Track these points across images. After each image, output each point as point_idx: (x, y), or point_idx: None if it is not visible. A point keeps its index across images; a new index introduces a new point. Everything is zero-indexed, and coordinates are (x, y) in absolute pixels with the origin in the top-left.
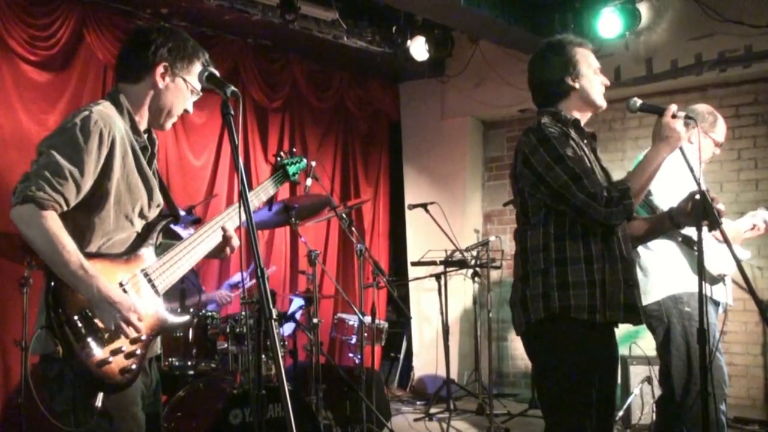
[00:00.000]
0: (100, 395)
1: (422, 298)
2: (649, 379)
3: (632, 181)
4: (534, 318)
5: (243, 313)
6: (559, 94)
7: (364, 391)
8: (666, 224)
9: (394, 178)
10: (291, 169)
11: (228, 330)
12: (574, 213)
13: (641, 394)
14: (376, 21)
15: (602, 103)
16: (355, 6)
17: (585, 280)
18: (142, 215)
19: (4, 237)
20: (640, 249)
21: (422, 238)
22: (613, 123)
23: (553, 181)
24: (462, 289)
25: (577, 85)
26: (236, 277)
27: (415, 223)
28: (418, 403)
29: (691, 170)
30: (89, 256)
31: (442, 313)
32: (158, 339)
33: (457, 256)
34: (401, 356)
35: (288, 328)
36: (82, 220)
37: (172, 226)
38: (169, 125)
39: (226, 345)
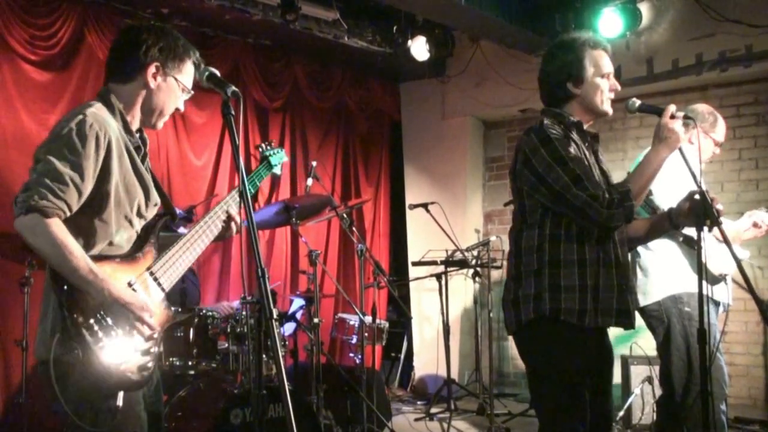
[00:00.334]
0: (121, 394)
1: (423, 297)
2: (649, 379)
3: (632, 183)
4: (524, 318)
5: (243, 312)
6: (561, 98)
7: (365, 391)
8: (665, 225)
9: (394, 178)
10: (273, 160)
11: (229, 330)
12: (574, 214)
13: (642, 394)
14: (377, 21)
15: (605, 110)
16: (356, 6)
17: (577, 284)
18: (140, 215)
19: (5, 237)
20: (640, 249)
21: (423, 238)
22: (614, 123)
23: (554, 182)
24: (463, 289)
25: (578, 91)
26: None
27: (415, 222)
28: (418, 402)
29: (691, 171)
30: (95, 259)
31: (442, 313)
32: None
33: (458, 256)
34: (402, 356)
35: (289, 327)
36: (84, 223)
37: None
38: (160, 124)
39: (226, 345)
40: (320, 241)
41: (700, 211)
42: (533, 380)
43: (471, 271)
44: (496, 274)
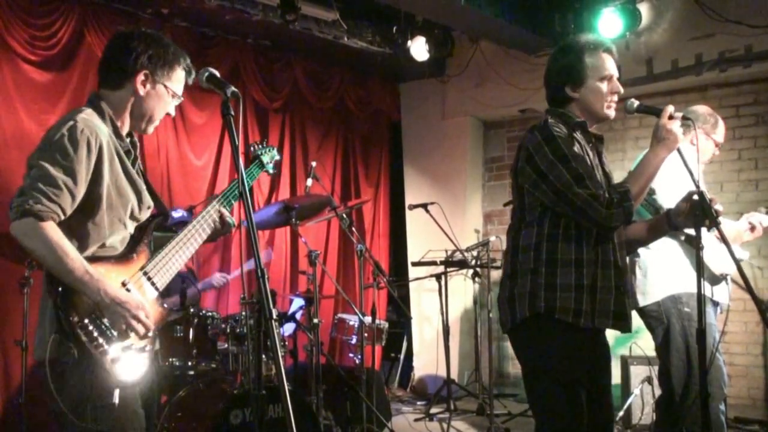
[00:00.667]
0: (117, 392)
1: (422, 298)
2: (649, 379)
3: (631, 183)
4: (519, 316)
5: (243, 313)
6: (561, 100)
7: (365, 392)
8: (664, 226)
9: (394, 178)
10: (264, 159)
11: (228, 330)
12: (573, 213)
13: (641, 394)
14: (377, 21)
15: (605, 114)
16: (356, 6)
17: (573, 284)
18: (133, 217)
19: (4, 237)
20: (640, 249)
21: (422, 239)
22: (614, 123)
23: (555, 180)
24: (462, 289)
25: (576, 95)
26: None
27: (415, 223)
28: (418, 403)
29: (689, 171)
30: (88, 260)
31: (442, 314)
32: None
33: (458, 256)
34: (401, 356)
35: (288, 328)
36: (77, 226)
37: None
38: (151, 129)
39: (226, 345)
40: (320, 242)
41: (698, 212)
42: (529, 379)
43: (471, 271)
44: (495, 275)
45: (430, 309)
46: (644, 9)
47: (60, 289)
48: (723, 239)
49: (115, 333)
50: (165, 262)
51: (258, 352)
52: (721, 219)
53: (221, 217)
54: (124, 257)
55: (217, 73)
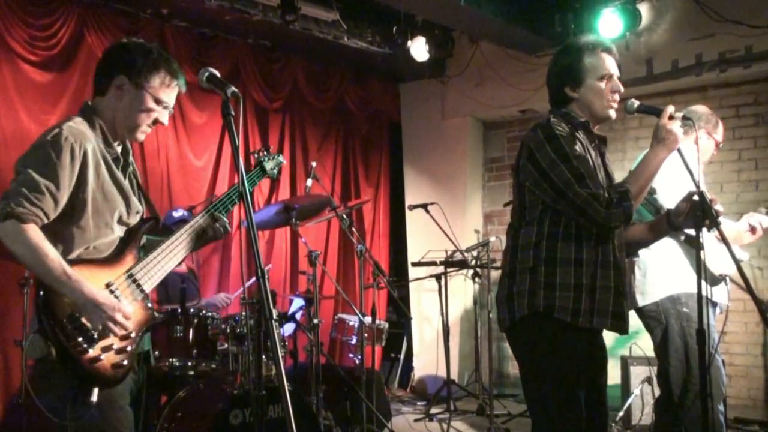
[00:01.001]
0: (95, 390)
1: (422, 298)
2: (649, 380)
3: (631, 183)
4: (518, 315)
5: (243, 313)
6: (561, 101)
7: (365, 392)
8: (665, 226)
9: (394, 179)
10: (267, 165)
11: (228, 330)
12: (573, 212)
13: (641, 395)
14: (377, 21)
15: (605, 114)
16: (356, 6)
17: (572, 283)
18: (121, 221)
19: None
20: None
21: (422, 239)
22: (614, 123)
23: (556, 178)
24: (462, 289)
25: (575, 95)
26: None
27: (415, 223)
28: (418, 403)
29: (690, 171)
30: (74, 262)
31: (442, 314)
32: (147, 336)
33: (458, 256)
34: (401, 357)
35: (288, 328)
36: (63, 230)
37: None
38: (139, 136)
39: (226, 345)
40: (320, 242)
41: (699, 212)
42: (526, 378)
43: (471, 271)
44: (495, 275)
45: (430, 309)
46: (644, 9)
47: (41, 291)
48: (723, 240)
49: (94, 333)
50: (153, 266)
51: (258, 352)
52: (721, 219)
53: (214, 223)
54: (110, 260)
55: (218, 73)
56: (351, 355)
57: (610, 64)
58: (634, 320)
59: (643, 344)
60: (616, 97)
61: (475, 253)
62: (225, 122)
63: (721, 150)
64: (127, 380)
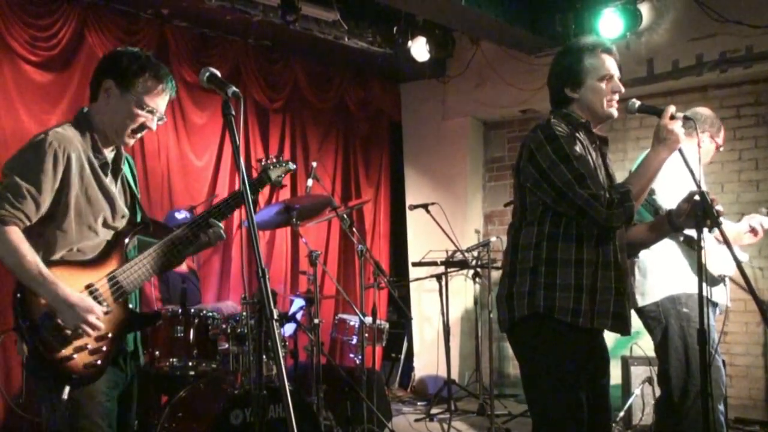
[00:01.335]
0: (66, 389)
1: (423, 298)
2: (649, 380)
3: (632, 183)
4: (518, 315)
5: (244, 313)
6: (562, 101)
7: (365, 392)
8: (665, 227)
9: (394, 179)
10: (273, 174)
11: (229, 330)
12: (574, 212)
13: (642, 395)
14: (377, 22)
15: (607, 114)
16: (356, 7)
17: (573, 284)
18: (106, 225)
19: None
20: None
21: (423, 239)
22: (615, 123)
23: (557, 179)
24: (463, 289)
25: (576, 96)
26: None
27: (415, 223)
28: (418, 403)
29: (691, 171)
30: (56, 263)
31: (442, 314)
32: (135, 336)
33: (458, 256)
34: (402, 357)
35: (289, 328)
36: (46, 232)
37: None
38: (127, 141)
39: (226, 345)
40: (320, 242)
41: (699, 212)
42: (527, 378)
43: (471, 271)
44: (496, 275)
45: (430, 309)
46: (645, 9)
47: (19, 289)
48: (725, 240)
49: (67, 333)
50: (137, 269)
51: (259, 352)
52: (721, 219)
53: (207, 229)
54: (94, 262)
55: (218, 73)
56: (351, 355)
57: (611, 65)
58: (634, 320)
59: (644, 344)
60: (617, 97)
61: (475, 254)
62: (226, 122)
63: (721, 150)
64: (109, 377)
